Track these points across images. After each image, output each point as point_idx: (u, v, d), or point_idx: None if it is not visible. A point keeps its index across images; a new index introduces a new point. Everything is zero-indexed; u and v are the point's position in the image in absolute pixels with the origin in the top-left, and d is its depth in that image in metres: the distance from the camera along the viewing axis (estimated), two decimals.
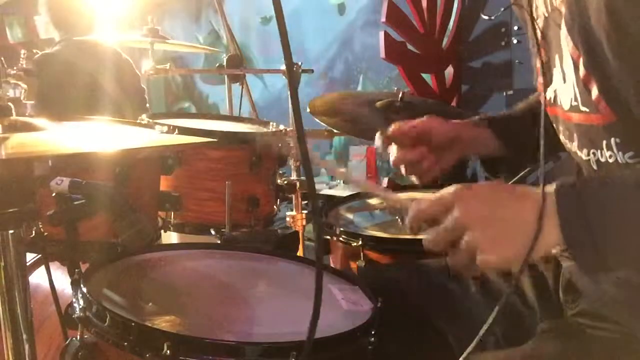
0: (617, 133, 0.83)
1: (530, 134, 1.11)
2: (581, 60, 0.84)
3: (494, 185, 0.85)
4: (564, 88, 0.91)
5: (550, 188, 0.76)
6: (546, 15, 0.93)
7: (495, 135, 1.19)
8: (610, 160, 0.85)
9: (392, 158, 1.16)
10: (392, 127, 1.15)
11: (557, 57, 0.93)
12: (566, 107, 0.92)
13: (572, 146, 0.94)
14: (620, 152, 0.83)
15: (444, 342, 1.01)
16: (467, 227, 0.76)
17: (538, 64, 0.98)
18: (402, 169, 1.16)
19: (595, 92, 0.83)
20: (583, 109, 0.87)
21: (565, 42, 0.86)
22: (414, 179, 1.19)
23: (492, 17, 2.91)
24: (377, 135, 1.16)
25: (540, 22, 0.96)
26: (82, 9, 2.97)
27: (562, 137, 0.98)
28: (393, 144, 1.16)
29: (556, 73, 0.94)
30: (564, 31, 0.86)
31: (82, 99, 2.69)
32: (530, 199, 0.76)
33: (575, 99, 0.88)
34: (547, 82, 0.96)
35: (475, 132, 1.20)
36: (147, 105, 3.05)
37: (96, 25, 3.00)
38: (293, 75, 0.62)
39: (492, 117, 1.23)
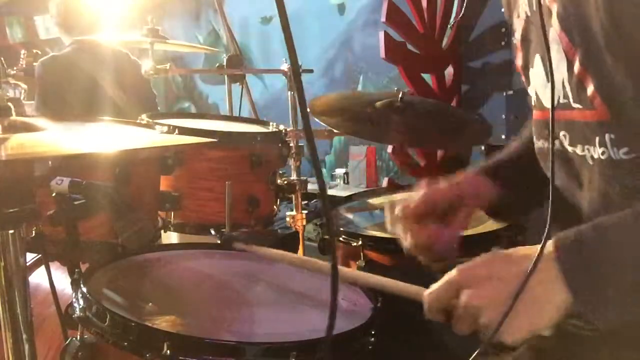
0: (611, 129, 0.83)
1: (530, 174, 1.08)
2: (577, 57, 0.84)
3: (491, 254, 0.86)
4: (547, 87, 0.91)
5: (549, 247, 0.77)
6: (528, 14, 0.93)
7: (494, 184, 1.14)
8: (603, 157, 0.85)
9: (405, 244, 1.12)
10: (399, 209, 1.10)
11: (537, 57, 0.93)
12: (548, 105, 0.92)
13: (558, 144, 0.93)
14: (614, 148, 0.83)
15: (443, 342, 1.01)
16: (464, 286, 0.80)
17: (520, 63, 0.99)
18: (420, 258, 1.12)
19: (591, 88, 0.83)
20: (575, 105, 0.87)
21: (558, 38, 0.86)
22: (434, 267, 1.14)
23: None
24: (386, 216, 1.12)
25: (521, 23, 0.96)
26: (87, 10, 2.96)
27: (535, 141, 0.98)
28: (399, 225, 1.11)
29: (533, 74, 0.94)
30: (555, 28, 0.86)
31: (88, 101, 2.69)
32: (528, 258, 0.77)
33: (565, 97, 0.88)
34: (529, 82, 0.96)
35: (475, 186, 1.14)
36: (159, 109, 3.04)
37: (100, 25, 3.01)
38: (299, 79, 0.62)
39: (487, 166, 1.17)
